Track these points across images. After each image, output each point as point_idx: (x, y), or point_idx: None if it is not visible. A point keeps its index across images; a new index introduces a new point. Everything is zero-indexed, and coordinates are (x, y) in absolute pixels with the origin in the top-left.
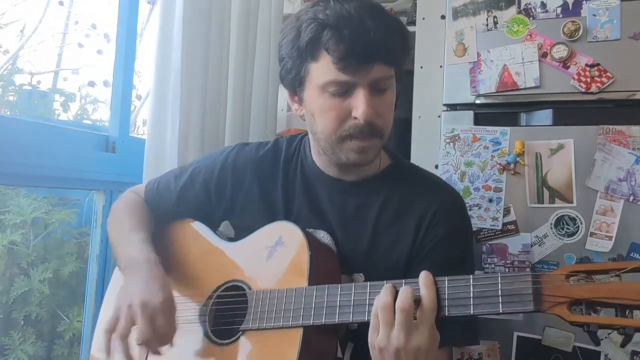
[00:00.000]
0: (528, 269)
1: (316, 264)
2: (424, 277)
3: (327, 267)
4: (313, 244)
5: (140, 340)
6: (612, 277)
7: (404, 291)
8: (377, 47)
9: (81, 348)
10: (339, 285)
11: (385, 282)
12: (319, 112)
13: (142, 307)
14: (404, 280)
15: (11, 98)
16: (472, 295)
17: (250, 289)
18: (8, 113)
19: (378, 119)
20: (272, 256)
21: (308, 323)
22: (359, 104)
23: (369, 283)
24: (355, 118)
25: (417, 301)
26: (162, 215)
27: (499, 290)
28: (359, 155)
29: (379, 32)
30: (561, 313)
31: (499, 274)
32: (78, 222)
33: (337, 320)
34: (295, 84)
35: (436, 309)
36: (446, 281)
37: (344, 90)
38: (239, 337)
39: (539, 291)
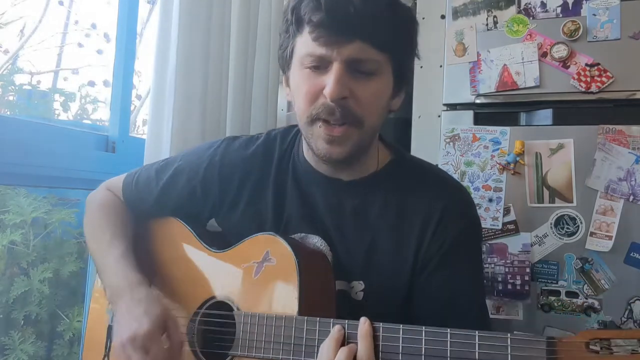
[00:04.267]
0: (528, 269)
1: (306, 285)
2: (361, 325)
3: (318, 283)
4: (303, 261)
5: None
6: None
7: (342, 352)
8: (356, 22)
9: (81, 348)
10: (331, 321)
11: (381, 325)
12: (296, 89)
13: (131, 342)
14: (346, 321)
15: (11, 98)
16: (477, 357)
17: (237, 307)
18: (8, 113)
19: (355, 103)
20: (259, 273)
21: (299, 359)
22: (329, 80)
23: (366, 321)
24: (326, 97)
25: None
26: (142, 213)
27: (509, 356)
28: (329, 145)
29: (364, 6)
30: None
31: (509, 335)
32: (78, 222)
33: None
34: (284, 63)
35: None
36: (448, 334)
37: (319, 65)
38: None
39: None
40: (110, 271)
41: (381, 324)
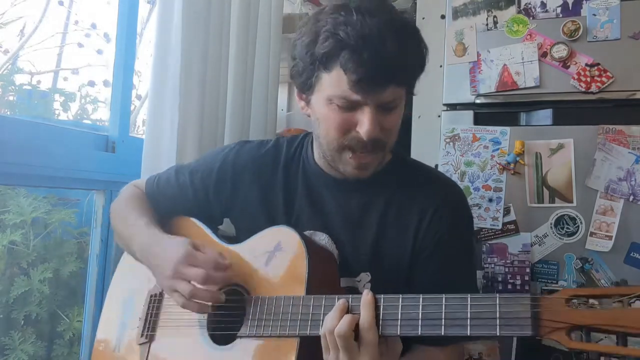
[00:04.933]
0: (528, 269)
1: (314, 271)
2: (364, 296)
3: (325, 273)
4: (312, 250)
5: (202, 282)
6: (614, 302)
7: (345, 318)
8: (393, 71)
9: (81, 348)
10: (336, 296)
11: (381, 297)
12: (324, 120)
13: (178, 270)
14: (350, 296)
15: (11, 98)
16: (469, 316)
17: (248, 293)
18: (8, 113)
19: (383, 134)
20: (270, 262)
21: (304, 333)
22: (364, 121)
23: (368, 293)
24: (358, 132)
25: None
26: (162, 211)
27: (497, 313)
28: (358, 170)
29: (398, 55)
30: (560, 339)
31: (497, 295)
32: (78, 222)
33: None
34: (305, 87)
35: (374, 329)
36: (443, 299)
37: (351, 106)
38: (237, 342)
39: (538, 315)
40: (139, 234)
41: (382, 295)
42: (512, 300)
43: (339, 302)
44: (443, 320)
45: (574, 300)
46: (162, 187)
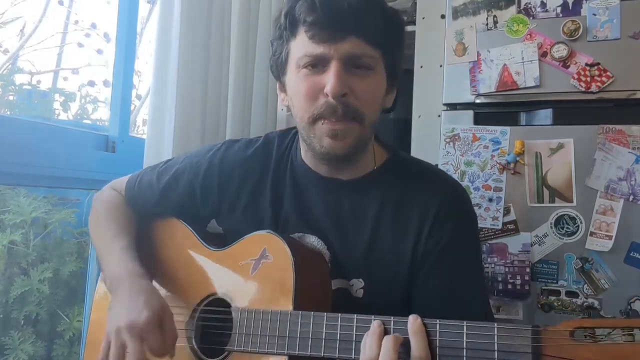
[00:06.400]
0: (528, 269)
1: (302, 281)
2: (412, 322)
3: (314, 280)
4: (299, 257)
5: None
6: (623, 335)
7: (387, 345)
8: (351, 18)
9: (81, 348)
10: (325, 314)
11: (372, 318)
12: (295, 93)
13: (129, 329)
14: (392, 318)
15: (11, 98)
16: (465, 346)
17: (234, 303)
18: (8, 113)
19: (355, 99)
20: (256, 270)
21: (293, 353)
22: (330, 77)
23: (355, 316)
24: (327, 95)
25: (407, 344)
26: (144, 213)
27: (495, 344)
28: (332, 140)
29: (355, 4)
30: None
31: (496, 324)
32: (78, 222)
33: (322, 354)
34: (279, 69)
35: (429, 358)
36: (437, 325)
37: (317, 63)
38: (225, 356)
39: (540, 350)
40: (113, 261)
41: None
42: (512, 332)
43: (374, 326)
44: (437, 348)
45: (578, 331)
46: (144, 189)
